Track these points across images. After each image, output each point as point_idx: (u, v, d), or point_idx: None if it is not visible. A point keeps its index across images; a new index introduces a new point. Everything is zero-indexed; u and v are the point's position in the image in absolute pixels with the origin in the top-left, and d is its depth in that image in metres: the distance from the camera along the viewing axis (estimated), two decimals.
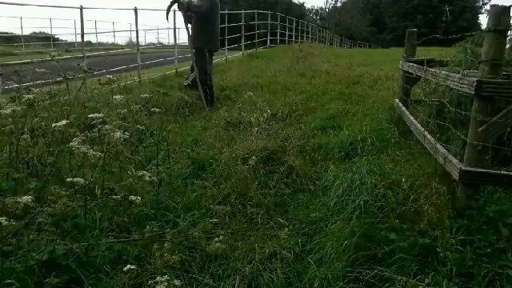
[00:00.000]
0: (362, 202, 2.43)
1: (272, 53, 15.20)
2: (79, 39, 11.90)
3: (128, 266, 1.56)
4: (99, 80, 2.73)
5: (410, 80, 4.36)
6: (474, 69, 2.90)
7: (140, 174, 1.96)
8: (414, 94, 4.53)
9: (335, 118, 5.31)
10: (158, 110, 2.93)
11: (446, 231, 2.04)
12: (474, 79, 2.25)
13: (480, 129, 2.25)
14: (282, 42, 18.88)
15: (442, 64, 3.76)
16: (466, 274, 1.84)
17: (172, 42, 10.60)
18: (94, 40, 24.37)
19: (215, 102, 6.40)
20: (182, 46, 10.36)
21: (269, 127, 4.69)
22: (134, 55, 8.59)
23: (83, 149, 1.71)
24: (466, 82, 2.37)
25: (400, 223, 2.20)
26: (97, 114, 2.10)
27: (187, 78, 6.24)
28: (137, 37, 8.79)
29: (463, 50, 3.31)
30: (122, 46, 22.94)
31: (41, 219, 1.94)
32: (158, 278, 1.44)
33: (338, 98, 6.75)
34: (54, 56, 2.33)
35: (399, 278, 1.82)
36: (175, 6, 5.82)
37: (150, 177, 1.96)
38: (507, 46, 2.68)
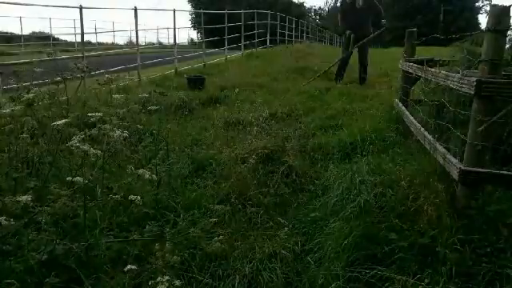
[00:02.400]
0: (361, 202, 2.43)
1: (271, 53, 15.19)
2: (79, 39, 11.87)
3: (129, 266, 1.56)
4: (98, 80, 2.73)
5: (409, 80, 4.36)
6: (473, 68, 2.90)
7: (140, 172, 1.95)
8: (414, 93, 4.53)
9: (335, 117, 5.31)
10: (155, 107, 2.93)
11: (446, 231, 2.04)
12: (474, 79, 2.25)
13: (480, 128, 2.24)
14: (282, 41, 18.87)
15: (441, 64, 3.76)
16: (466, 273, 1.84)
17: (172, 41, 10.60)
18: (93, 40, 24.41)
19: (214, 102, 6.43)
20: (181, 46, 10.35)
21: (268, 127, 4.70)
22: (133, 55, 8.59)
23: (84, 147, 1.71)
24: (466, 81, 2.37)
25: (400, 223, 2.20)
26: (96, 113, 2.10)
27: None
28: (136, 37, 8.79)
29: (460, 49, 3.32)
30: (121, 45, 22.97)
31: (40, 219, 1.94)
32: (159, 279, 1.44)
33: (337, 97, 6.75)
34: (50, 55, 2.32)
35: (399, 277, 1.82)
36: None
37: (149, 175, 1.95)
38: (507, 45, 2.69)
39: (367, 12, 8.11)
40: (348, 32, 8.13)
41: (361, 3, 7.91)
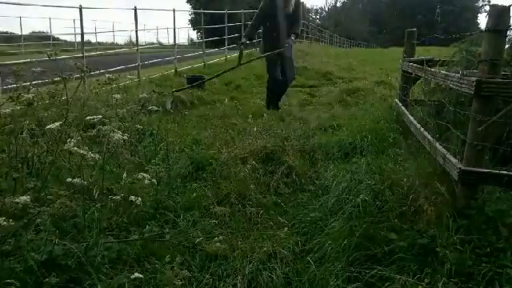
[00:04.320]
0: (361, 202, 2.42)
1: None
2: (79, 39, 11.86)
3: (136, 275, 1.56)
4: (98, 80, 2.73)
5: (409, 80, 4.36)
6: (473, 68, 2.90)
7: (139, 176, 1.95)
8: (414, 93, 4.53)
9: (335, 117, 5.31)
10: (155, 108, 2.94)
11: (446, 231, 2.04)
12: (474, 79, 2.25)
13: (479, 128, 2.24)
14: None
15: (441, 64, 3.76)
16: (466, 273, 1.84)
17: (171, 41, 10.59)
18: (93, 40, 24.39)
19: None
20: (181, 46, 10.34)
21: (268, 127, 4.69)
22: (133, 55, 8.58)
23: (81, 151, 1.71)
24: (466, 81, 2.37)
25: (399, 223, 2.20)
26: (95, 116, 2.10)
27: None
28: (136, 37, 8.78)
29: (459, 50, 3.31)
30: (121, 45, 22.96)
31: (40, 219, 1.94)
32: None
33: (337, 97, 6.75)
34: (50, 55, 2.32)
35: (399, 277, 1.82)
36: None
37: (149, 179, 1.96)
38: (506, 45, 2.68)
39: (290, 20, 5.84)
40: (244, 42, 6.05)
41: (291, 9, 5.75)
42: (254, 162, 3.27)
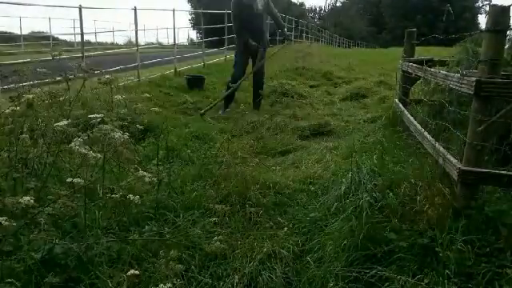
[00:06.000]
0: (361, 202, 2.42)
1: (271, 53, 15.19)
2: (79, 39, 11.86)
3: (131, 271, 1.55)
4: (99, 79, 2.72)
5: (409, 80, 4.36)
6: (473, 69, 2.90)
7: (140, 174, 1.95)
8: (414, 93, 4.53)
9: (335, 117, 5.32)
10: (157, 109, 2.94)
11: (446, 231, 2.04)
12: (473, 79, 2.25)
13: (479, 128, 2.24)
14: (282, 41, 18.85)
15: (441, 64, 3.76)
16: (466, 273, 1.84)
17: (171, 41, 10.59)
18: (93, 40, 24.36)
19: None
20: (181, 46, 10.32)
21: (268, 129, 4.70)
22: (133, 55, 8.58)
23: (83, 150, 1.71)
24: (466, 81, 2.37)
25: (399, 223, 2.20)
26: (96, 115, 2.09)
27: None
28: (136, 36, 8.78)
29: (464, 50, 3.31)
30: (121, 45, 22.93)
31: (40, 219, 1.94)
32: (161, 286, 1.44)
33: (337, 98, 6.75)
34: (55, 55, 2.31)
35: (399, 277, 1.82)
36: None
37: (149, 177, 1.95)
38: (506, 45, 2.69)
39: (265, 18, 6.82)
40: (250, 41, 6.38)
41: (259, 7, 6.31)
42: (254, 162, 3.26)
